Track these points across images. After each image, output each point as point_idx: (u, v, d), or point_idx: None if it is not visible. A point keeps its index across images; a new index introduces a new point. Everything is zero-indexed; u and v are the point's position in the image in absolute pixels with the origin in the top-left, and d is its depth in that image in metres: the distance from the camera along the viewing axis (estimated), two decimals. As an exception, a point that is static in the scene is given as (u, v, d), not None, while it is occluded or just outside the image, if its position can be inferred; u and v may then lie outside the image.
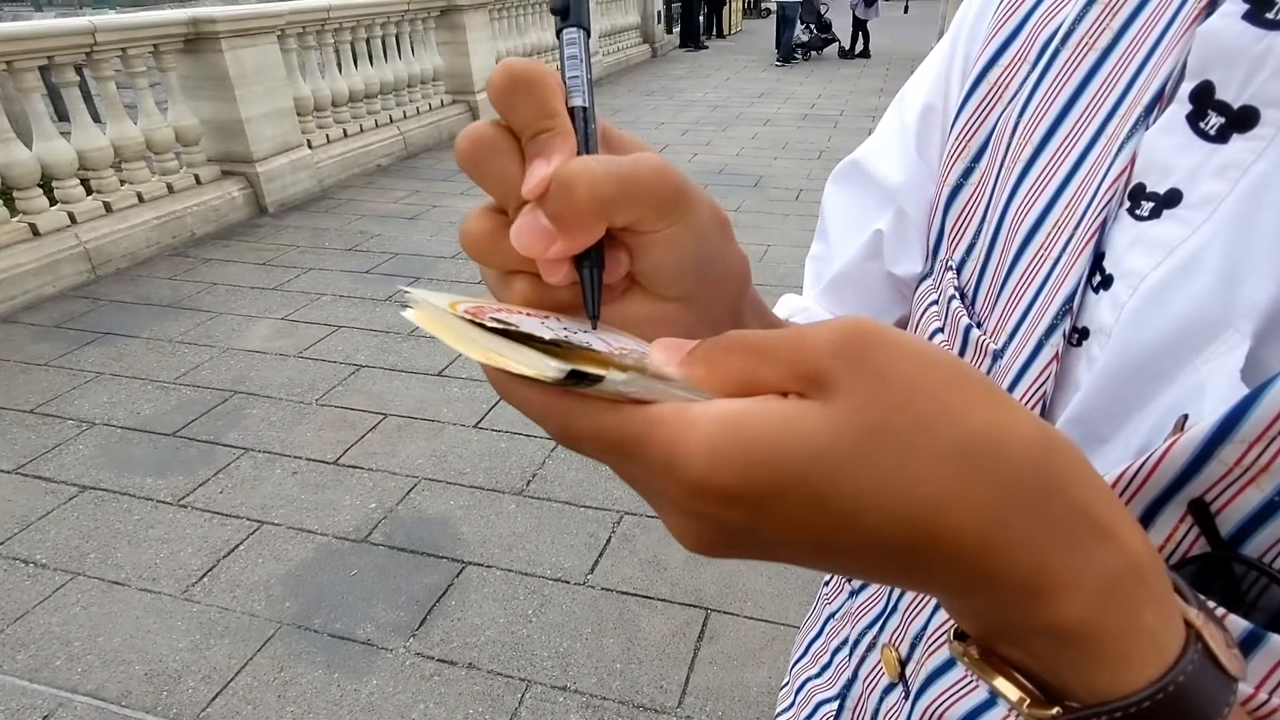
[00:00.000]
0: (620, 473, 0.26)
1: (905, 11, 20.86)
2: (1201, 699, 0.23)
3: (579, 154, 0.27)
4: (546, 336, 0.24)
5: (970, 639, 0.27)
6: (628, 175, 0.26)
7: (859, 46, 13.93)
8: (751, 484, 0.21)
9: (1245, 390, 0.29)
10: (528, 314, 0.27)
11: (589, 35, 0.30)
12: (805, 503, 0.21)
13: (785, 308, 0.65)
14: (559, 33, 0.29)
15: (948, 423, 0.21)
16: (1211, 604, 0.28)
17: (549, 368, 0.23)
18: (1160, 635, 0.23)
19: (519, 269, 0.28)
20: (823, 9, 13.90)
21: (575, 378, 0.23)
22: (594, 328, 0.27)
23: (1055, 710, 0.24)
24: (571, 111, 0.28)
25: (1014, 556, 0.22)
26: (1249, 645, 0.28)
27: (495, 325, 0.24)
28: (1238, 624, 0.28)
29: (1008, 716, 0.38)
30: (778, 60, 13.45)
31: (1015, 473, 0.21)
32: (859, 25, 13.61)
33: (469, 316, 0.25)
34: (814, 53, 14.10)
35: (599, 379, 0.23)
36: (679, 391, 0.24)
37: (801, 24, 13.70)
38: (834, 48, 14.25)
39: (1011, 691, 0.25)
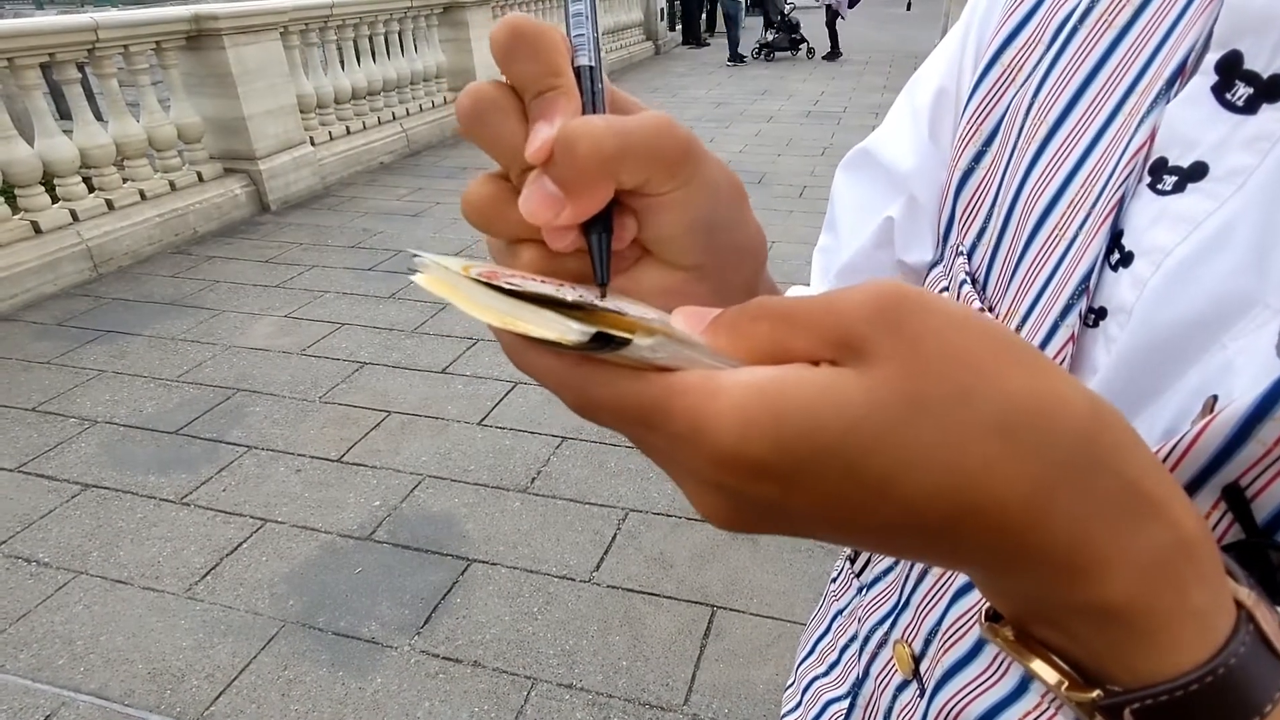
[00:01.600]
0: (641, 445, 0.24)
1: (908, 9, 20.82)
2: (1252, 684, 0.22)
3: (584, 115, 0.26)
4: (569, 299, 0.23)
5: (1004, 620, 0.26)
6: (633, 130, 0.25)
7: (826, 48, 13.27)
8: (785, 456, 0.20)
9: None
10: (543, 280, 0.26)
11: None
12: (840, 476, 0.20)
13: None
14: None
15: (989, 392, 0.20)
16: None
17: (572, 330, 0.22)
18: (1209, 616, 0.22)
19: (525, 237, 0.27)
20: (786, 8, 13.36)
21: (600, 341, 0.21)
22: (603, 295, 0.26)
23: (1096, 693, 0.23)
24: (578, 71, 0.27)
25: (1059, 531, 0.21)
26: None
27: (511, 288, 0.23)
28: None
29: (1030, 714, 0.37)
30: (728, 61, 13.03)
31: (1061, 445, 0.20)
32: (831, 22, 13.04)
33: (482, 279, 0.24)
34: (776, 54, 13.45)
35: (625, 342, 0.21)
36: (707, 359, 0.22)
37: (768, 24, 13.30)
38: (804, 49, 13.47)
39: (1049, 674, 0.24)
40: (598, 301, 0.24)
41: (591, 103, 0.26)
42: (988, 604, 0.27)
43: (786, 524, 0.23)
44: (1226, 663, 0.22)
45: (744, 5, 13.09)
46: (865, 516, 0.21)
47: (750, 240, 0.31)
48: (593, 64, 0.27)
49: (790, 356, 0.22)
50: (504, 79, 0.27)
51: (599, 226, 0.26)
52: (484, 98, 0.26)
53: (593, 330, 0.21)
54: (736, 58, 13.03)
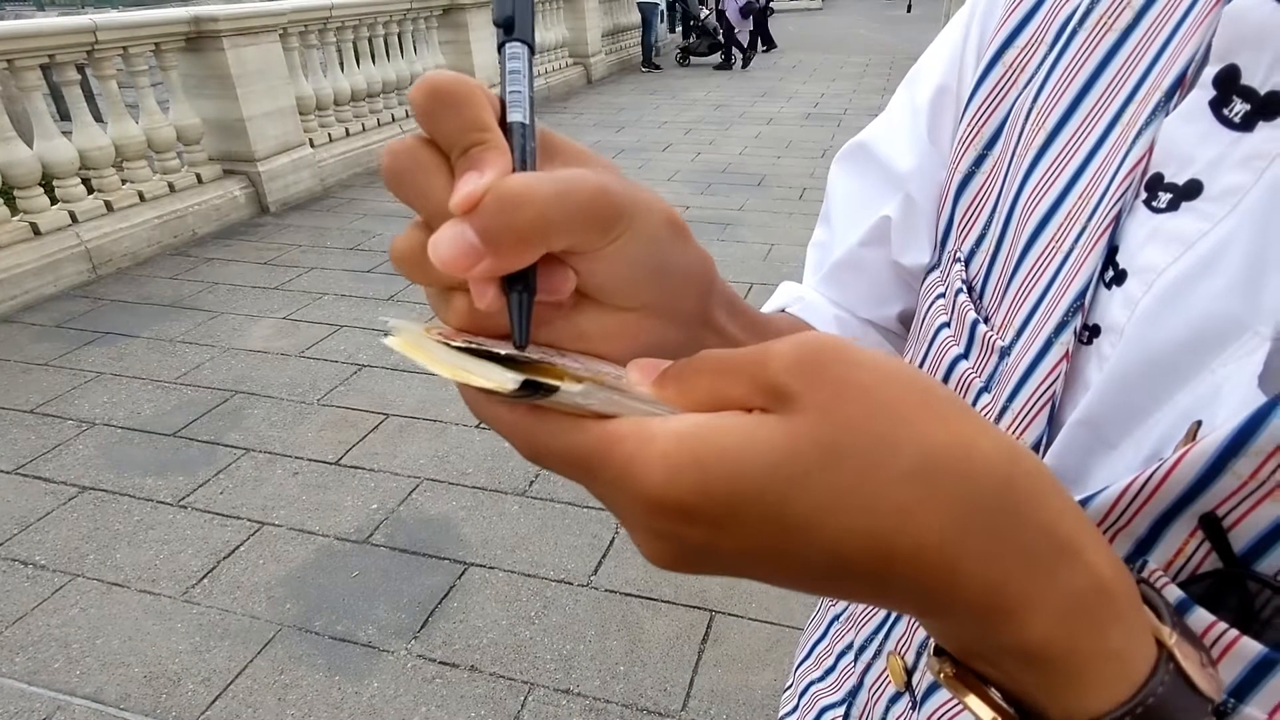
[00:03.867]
0: (591, 491, 0.25)
1: (909, 10, 20.84)
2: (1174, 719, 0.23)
3: (515, 171, 0.25)
4: (502, 352, 0.25)
5: (946, 655, 0.26)
6: (572, 197, 0.24)
7: (738, 54, 12.58)
8: (708, 500, 0.21)
9: (1262, 398, 0.27)
10: (503, 337, 0.27)
11: (533, 52, 0.28)
12: (763, 518, 0.21)
13: (783, 296, 0.63)
14: (500, 47, 0.27)
15: (907, 439, 0.21)
16: (1223, 624, 0.27)
17: (506, 379, 0.23)
18: (1127, 655, 0.23)
19: (456, 286, 0.27)
20: (702, 14, 12.90)
21: (530, 388, 0.23)
22: (521, 352, 0.26)
23: None
24: (508, 127, 0.26)
25: (976, 575, 0.21)
26: (1263, 670, 0.26)
27: (463, 345, 0.25)
28: (1251, 647, 0.26)
29: None
30: (642, 67, 12.63)
31: (977, 491, 0.21)
32: (758, 25, 12.59)
33: (441, 339, 0.26)
34: (693, 59, 12.85)
35: (554, 389, 0.23)
36: (641, 405, 0.24)
37: (686, 29, 12.70)
38: (738, 59, 12.72)
39: (983, 710, 0.25)
40: (532, 355, 0.25)
41: (522, 161, 0.25)
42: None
43: (723, 565, 0.23)
44: (1144, 702, 0.22)
45: (661, 7, 12.43)
46: (792, 559, 0.22)
47: (694, 270, 0.31)
48: (525, 121, 0.26)
49: (727, 404, 0.23)
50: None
51: (519, 284, 0.25)
52: (404, 154, 0.25)
53: (522, 378, 0.23)
54: (648, 63, 12.60)
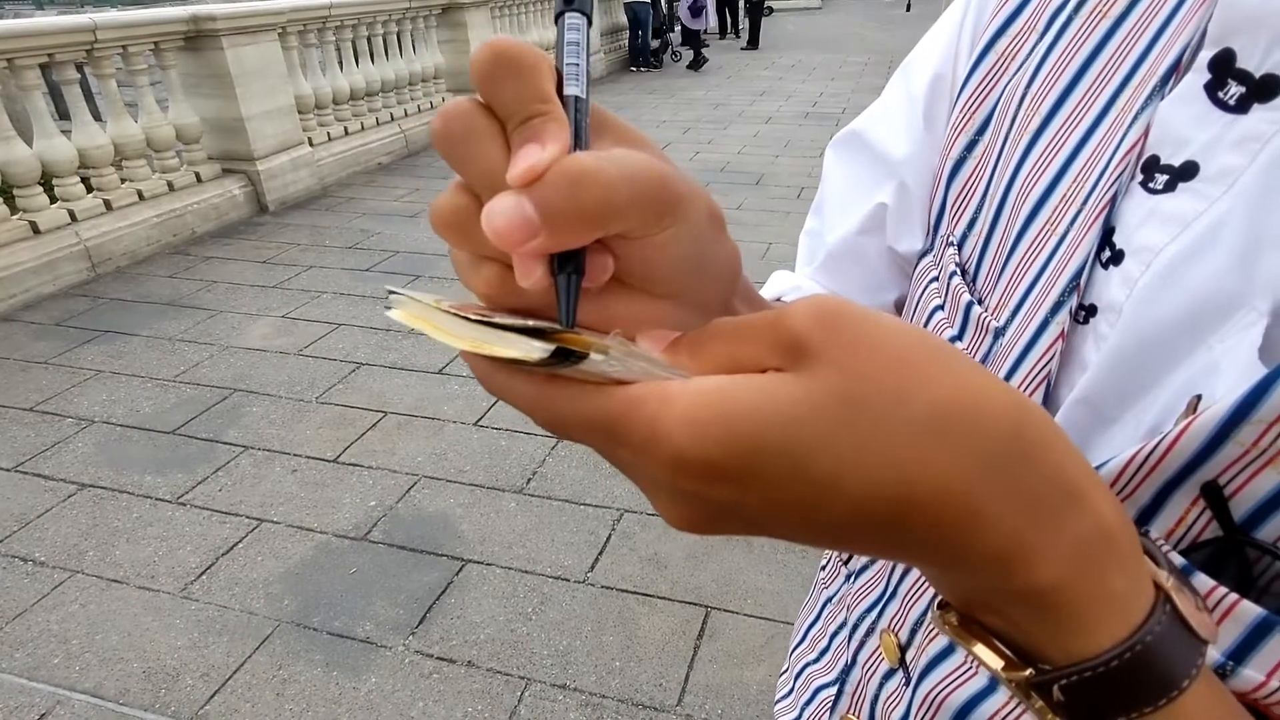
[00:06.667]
0: (611, 459, 0.25)
1: (908, 9, 20.82)
2: (1169, 659, 0.24)
3: (574, 148, 0.24)
4: (521, 324, 0.24)
5: (951, 607, 0.27)
6: (637, 182, 0.23)
7: (688, 52, 12.52)
8: (733, 456, 0.21)
9: (1263, 370, 0.28)
10: (511, 313, 0.26)
11: (590, 24, 0.27)
12: (787, 472, 0.21)
13: (777, 285, 0.63)
14: (559, 16, 0.27)
15: (920, 391, 0.21)
16: (1223, 589, 0.28)
17: (535, 349, 0.23)
18: (1129, 598, 0.24)
19: (493, 255, 0.25)
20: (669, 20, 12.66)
21: (561, 356, 0.23)
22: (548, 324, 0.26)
23: (1029, 671, 0.25)
24: (565, 101, 0.25)
25: (993, 520, 0.22)
26: (1261, 632, 0.27)
27: (478, 318, 0.24)
28: (1250, 610, 0.27)
29: (1008, 703, 0.38)
30: (631, 66, 12.48)
31: (989, 439, 0.22)
32: (688, 35, 12.45)
33: (454, 311, 0.25)
34: (650, 63, 12.64)
35: (583, 357, 0.23)
36: (661, 371, 0.24)
37: (656, 32, 12.45)
38: (681, 57, 12.72)
39: (990, 658, 0.26)
40: (543, 325, 0.24)
41: (576, 135, 0.24)
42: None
43: (746, 523, 0.24)
44: (1143, 640, 0.23)
45: (650, 4, 12.10)
46: (817, 512, 0.22)
47: (727, 263, 0.30)
48: (581, 95, 0.25)
49: (742, 367, 0.23)
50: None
51: (570, 266, 0.24)
52: (463, 116, 0.24)
53: (553, 346, 0.22)
54: (646, 64, 12.45)
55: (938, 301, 0.47)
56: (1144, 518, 0.31)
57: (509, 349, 0.23)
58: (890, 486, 0.21)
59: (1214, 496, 0.29)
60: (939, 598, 0.28)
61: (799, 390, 0.21)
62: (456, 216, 0.25)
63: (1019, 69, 0.45)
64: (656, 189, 0.24)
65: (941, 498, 0.21)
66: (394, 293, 0.25)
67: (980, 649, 0.26)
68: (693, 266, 0.27)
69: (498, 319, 0.24)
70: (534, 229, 0.22)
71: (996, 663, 0.25)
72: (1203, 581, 0.28)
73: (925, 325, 0.48)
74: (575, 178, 0.22)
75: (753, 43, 14.53)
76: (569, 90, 0.25)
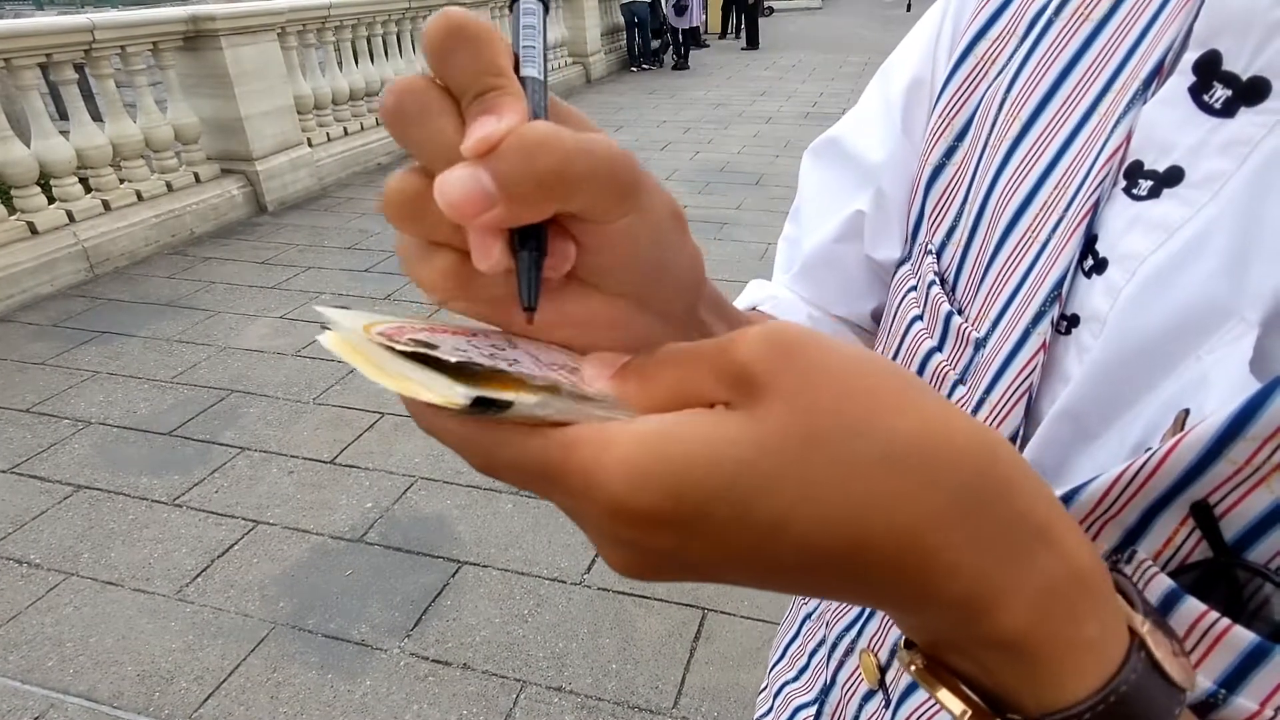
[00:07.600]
0: (550, 501, 0.24)
1: (908, 9, 20.81)
2: (1147, 708, 0.23)
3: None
4: (452, 360, 0.22)
5: (917, 648, 0.26)
6: (595, 153, 0.22)
7: (676, 53, 12.48)
8: (676, 505, 0.20)
9: (1254, 383, 0.26)
10: (453, 332, 0.25)
11: (547, 11, 0.27)
12: (730, 519, 0.20)
13: (752, 293, 0.62)
14: (513, 3, 0.26)
15: (878, 427, 0.20)
16: (1214, 614, 0.26)
17: (456, 394, 0.21)
18: (1102, 644, 0.23)
19: (446, 241, 0.24)
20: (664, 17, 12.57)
21: (482, 404, 0.21)
22: (530, 321, 0.25)
23: None
24: (523, 83, 0.24)
25: (953, 563, 0.21)
26: (1254, 660, 0.26)
27: (408, 349, 0.23)
28: (1243, 637, 0.26)
29: None
30: (631, 67, 12.39)
31: (952, 478, 0.21)
32: (673, 34, 12.38)
33: (384, 340, 0.23)
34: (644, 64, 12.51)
35: (508, 405, 0.22)
36: (599, 411, 0.23)
37: (658, 33, 12.41)
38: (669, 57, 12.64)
39: (954, 704, 0.24)
40: (484, 360, 0.23)
41: (534, 116, 0.23)
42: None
43: (691, 571, 0.23)
44: (1117, 689, 0.22)
45: (650, 4, 12.02)
46: (763, 558, 0.21)
47: (689, 264, 0.29)
48: (538, 76, 0.25)
49: (691, 398, 0.22)
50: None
51: (531, 243, 0.23)
52: (411, 93, 0.23)
53: (474, 394, 0.21)
54: (638, 64, 12.36)
55: (916, 311, 0.46)
56: (1131, 538, 0.30)
57: (431, 393, 0.21)
58: (840, 525, 0.20)
59: (1204, 516, 0.28)
60: (904, 636, 0.27)
61: (744, 430, 0.20)
62: (408, 199, 0.24)
63: (999, 73, 0.44)
64: (614, 165, 0.23)
65: (898, 537, 0.20)
66: (324, 311, 0.24)
67: (944, 695, 0.25)
68: (653, 263, 0.27)
69: (437, 341, 0.23)
70: (490, 199, 0.21)
71: (961, 709, 0.24)
72: (1192, 606, 0.27)
73: (904, 336, 0.47)
74: (532, 146, 0.21)
75: (752, 43, 14.55)
76: (525, 71, 0.25)
